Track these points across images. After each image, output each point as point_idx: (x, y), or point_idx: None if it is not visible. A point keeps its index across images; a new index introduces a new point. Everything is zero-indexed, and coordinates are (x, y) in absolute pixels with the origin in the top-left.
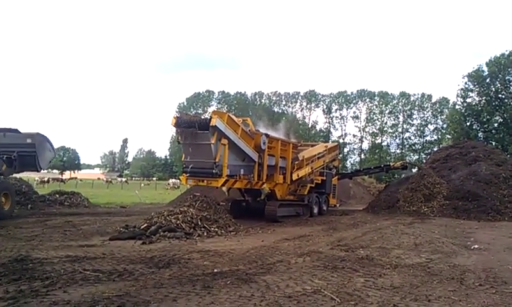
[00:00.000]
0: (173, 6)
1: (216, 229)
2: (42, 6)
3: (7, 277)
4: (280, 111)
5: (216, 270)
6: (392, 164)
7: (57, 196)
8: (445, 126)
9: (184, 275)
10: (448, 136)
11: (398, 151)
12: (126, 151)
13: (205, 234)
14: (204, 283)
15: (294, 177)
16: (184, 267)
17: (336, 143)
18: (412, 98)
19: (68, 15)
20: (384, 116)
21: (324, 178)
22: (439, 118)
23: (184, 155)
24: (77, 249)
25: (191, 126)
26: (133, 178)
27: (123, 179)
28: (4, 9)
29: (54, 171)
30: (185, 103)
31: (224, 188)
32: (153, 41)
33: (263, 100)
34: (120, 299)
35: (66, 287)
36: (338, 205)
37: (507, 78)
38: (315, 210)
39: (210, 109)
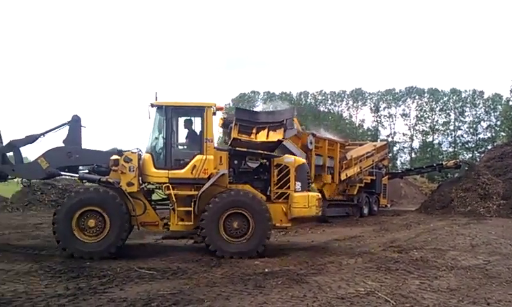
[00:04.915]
0: (214, 5)
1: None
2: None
3: (66, 274)
4: (326, 110)
5: (266, 270)
6: (444, 162)
7: None
8: (498, 123)
9: (235, 275)
10: (503, 134)
11: (450, 149)
12: None
13: None
14: (256, 282)
15: (343, 177)
16: (235, 266)
17: (385, 142)
18: (463, 95)
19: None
20: (435, 114)
21: (374, 177)
22: (492, 114)
23: None
24: (132, 248)
25: None
26: None
27: None
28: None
29: None
30: (230, 104)
31: None
32: (198, 43)
33: (308, 100)
34: (174, 296)
35: (123, 285)
36: (389, 205)
37: None
38: (365, 210)
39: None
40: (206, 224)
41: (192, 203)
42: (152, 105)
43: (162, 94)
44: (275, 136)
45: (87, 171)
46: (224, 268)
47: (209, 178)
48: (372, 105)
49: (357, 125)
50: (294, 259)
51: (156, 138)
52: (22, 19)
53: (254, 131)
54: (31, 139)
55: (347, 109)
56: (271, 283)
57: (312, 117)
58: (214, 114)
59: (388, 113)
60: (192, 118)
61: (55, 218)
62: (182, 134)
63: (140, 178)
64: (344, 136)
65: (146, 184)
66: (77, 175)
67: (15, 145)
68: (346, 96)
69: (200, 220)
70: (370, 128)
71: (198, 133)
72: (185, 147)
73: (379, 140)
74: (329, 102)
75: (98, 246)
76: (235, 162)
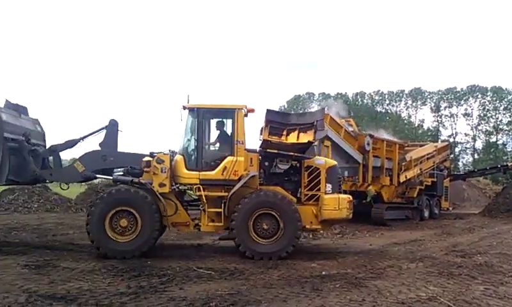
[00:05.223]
0: (273, 6)
1: (322, 232)
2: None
3: (128, 273)
4: (383, 111)
5: (324, 273)
6: (509, 164)
7: None
8: None
9: (292, 277)
10: None
11: None
12: None
13: (311, 236)
14: (313, 285)
15: (402, 179)
16: (291, 269)
17: (446, 143)
18: None
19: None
20: (499, 113)
21: (435, 179)
22: None
23: None
24: (190, 248)
25: None
26: None
27: None
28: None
29: None
30: (285, 106)
31: None
32: (250, 43)
33: (365, 100)
34: (232, 297)
35: (182, 284)
36: (451, 208)
37: None
38: (426, 214)
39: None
40: (236, 225)
41: (223, 204)
42: (184, 108)
43: (215, 97)
44: (305, 138)
45: (121, 173)
46: (281, 270)
47: (239, 179)
48: (433, 104)
49: (416, 125)
50: (352, 263)
51: (188, 140)
52: (67, 24)
53: (285, 133)
54: (71, 144)
55: (406, 109)
56: (328, 286)
57: (369, 118)
58: (246, 115)
59: (449, 113)
60: (224, 120)
61: (88, 218)
62: (214, 136)
63: (172, 179)
64: (402, 137)
65: (178, 185)
66: (111, 177)
67: (54, 150)
68: (405, 96)
69: (230, 221)
70: (431, 128)
71: (230, 135)
72: (216, 149)
73: (439, 141)
74: (387, 102)
75: (131, 245)
76: (266, 163)
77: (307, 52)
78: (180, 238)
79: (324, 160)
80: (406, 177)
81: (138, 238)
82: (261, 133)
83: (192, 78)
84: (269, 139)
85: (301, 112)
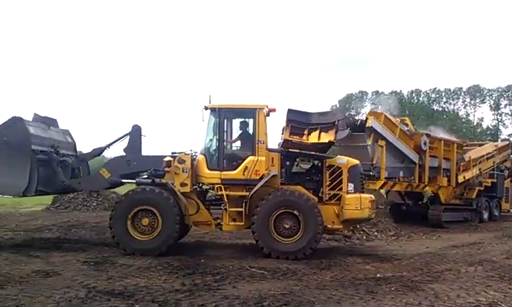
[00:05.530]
0: (326, 5)
1: (376, 233)
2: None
3: (182, 271)
4: (440, 109)
5: (378, 275)
6: None
7: None
8: None
9: (345, 278)
10: None
11: None
12: None
13: (364, 237)
14: (367, 287)
15: (460, 179)
16: (345, 270)
17: (507, 142)
18: None
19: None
20: None
21: (495, 180)
22: None
23: None
24: (242, 247)
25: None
26: None
27: None
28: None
29: None
30: (337, 105)
31: (382, 191)
32: (305, 43)
33: (420, 98)
34: (284, 297)
35: (235, 283)
36: (511, 210)
37: None
38: (485, 215)
39: (363, 110)
40: (256, 224)
41: (244, 204)
42: (206, 108)
43: (263, 97)
44: (326, 137)
45: (146, 176)
46: (334, 271)
47: (261, 179)
48: (492, 102)
49: (475, 123)
50: (408, 266)
51: (210, 140)
52: (84, 29)
53: (306, 132)
54: (98, 152)
55: (464, 107)
56: (383, 288)
57: (425, 116)
58: (268, 115)
59: (510, 111)
60: (248, 120)
61: (112, 215)
62: (235, 136)
63: (194, 179)
64: (460, 136)
65: (199, 185)
66: (135, 181)
67: (83, 159)
68: (462, 94)
69: (250, 221)
70: (490, 127)
71: (251, 135)
72: (238, 148)
73: (499, 140)
74: (444, 99)
75: (151, 244)
76: (287, 163)
77: (360, 50)
78: (232, 237)
79: (346, 160)
80: (464, 178)
81: (158, 237)
82: (282, 133)
83: (234, 78)
84: (290, 138)
85: (322, 111)
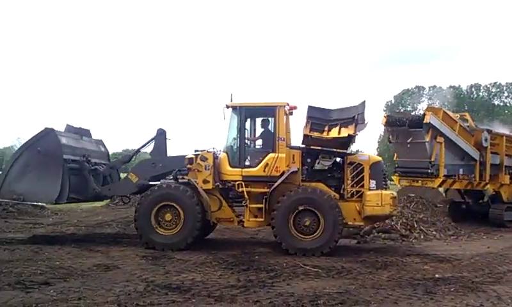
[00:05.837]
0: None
1: (434, 233)
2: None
3: (237, 267)
4: (501, 104)
5: (437, 276)
6: None
7: None
8: None
9: (403, 278)
10: None
11: None
12: None
13: (422, 237)
14: (426, 287)
15: None
16: (402, 270)
17: None
18: None
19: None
20: None
21: None
22: None
23: (395, 155)
24: None
25: (403, 124)
26: None
27: None
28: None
29: None
30: (392, 101)
31: (441, 189)
32: (364, 38)
33: (480, 93)
34: (340, 295)
35: (289, 280)
36: None
37: None
38: None
39: (420, 106)
40: (276, 221)
41: (264, 200)
42: (227, 106)
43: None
44: (346, 132)
45: (171, 176)
46: (391, 271)
47: (281, 175)
48: None
49: None
50: (468, 266)
51: (232, 138)
52: (106, 35)
53: (326, 129)
54: (127, 158)
55: None
56: (442, 289)
57: (485, 111)
58: (291, 113)
59: None
60: (269, 118)
61: (136, 211)
62: (257, 134)
63: (217, 176)
64: None
65: (221, 182)
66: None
67: (113, 166)
68: None
69: (270, 217)
70: None
71: (272, 132)
72: (259, 146)
73: None
74: (505, 94)
75: (174, 238)
76: (309, 160)
77: (418, 44)
78: None
79: (367, 156)
80: None
81: (179, 232)
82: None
83: (287, 75)
84: (310, 134)
85: (343, 107)
